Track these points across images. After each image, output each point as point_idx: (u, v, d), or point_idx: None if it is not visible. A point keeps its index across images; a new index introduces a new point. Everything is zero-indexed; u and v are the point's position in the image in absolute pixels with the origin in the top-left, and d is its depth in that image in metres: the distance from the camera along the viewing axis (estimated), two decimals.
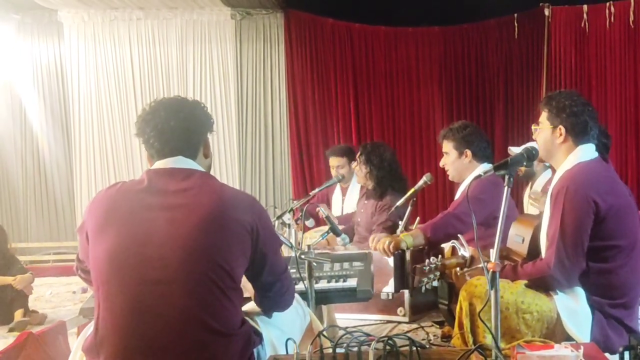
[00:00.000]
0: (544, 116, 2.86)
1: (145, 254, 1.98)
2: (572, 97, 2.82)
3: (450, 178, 4.02)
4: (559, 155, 2.82)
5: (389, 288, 3.46)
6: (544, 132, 2.84)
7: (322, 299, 3.09)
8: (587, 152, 2.80)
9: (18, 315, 4.74)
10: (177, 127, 2.12)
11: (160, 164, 2.13)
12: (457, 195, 3.96)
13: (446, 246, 3.79)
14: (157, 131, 2.12)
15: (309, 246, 2.95)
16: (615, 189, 2.74)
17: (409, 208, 4.34)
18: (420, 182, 4.21)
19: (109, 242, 2.00)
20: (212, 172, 2.30)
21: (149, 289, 1.96)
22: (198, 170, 2.14)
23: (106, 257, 2.00)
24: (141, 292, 1.97)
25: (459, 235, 3.04)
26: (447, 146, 3.92)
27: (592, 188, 2.64)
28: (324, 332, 2.20)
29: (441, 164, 4.00)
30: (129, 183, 2.14)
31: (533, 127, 2.95)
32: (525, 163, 2.66)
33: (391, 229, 4.41)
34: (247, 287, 2.31)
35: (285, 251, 3.43)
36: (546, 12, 7.03)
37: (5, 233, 5.27)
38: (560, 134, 2.79)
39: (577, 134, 2.78)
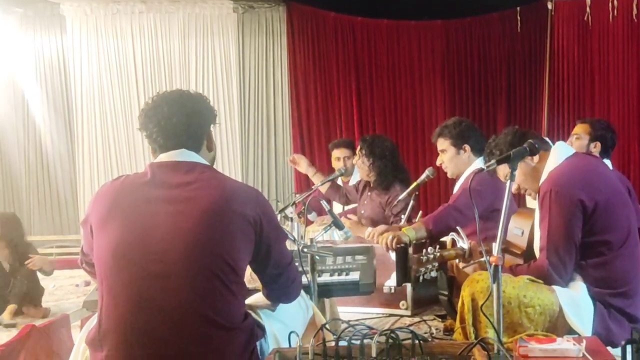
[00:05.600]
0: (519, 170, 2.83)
1: (148, 247, 1.99)
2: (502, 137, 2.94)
3: (449, 176, 4.01)
4: (543, 173, 2.83)
5: (392, 282, 3.46)
6: (522, 169, 2.84)
7: (325, 292, 3.11)
8: (562, 149, 2.82)
9: (8, 314, 4.66)
10: (180, 122, 2.12)
11: (163, 157, 2.14)
12: (456, 189, 3.96)
13: (446, 238, 3.80)
14: (160, 127, 2.12)
15: (311, 240, 2.95)
16: (601, 182, 2.74)
17: (412, 202, 4.34)
18: (423, 176, 4.22)
19: (112, 236, 2.01)
20: (214, 166, 2.31)
21: (152, 282, 1.97)
22: (201, 164, 2.15)
23: (109, 250, 2.01)
24: (144, 286, 1.98)
25: (457, 227, 3.05)
26: (444, 143, 3.91)
27: (575, 187, 2.64)
28: (327, 326, 2.20)
29: (438, 162, 3.99)
30: (133, 176, 2.15)
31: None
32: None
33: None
34: (253, 277, 2.32)
35: (288, 244, 3.44)
36: (549, 5, 7.01)
37: (19, 221, 5.19)
38: (534, 160, 2.82)
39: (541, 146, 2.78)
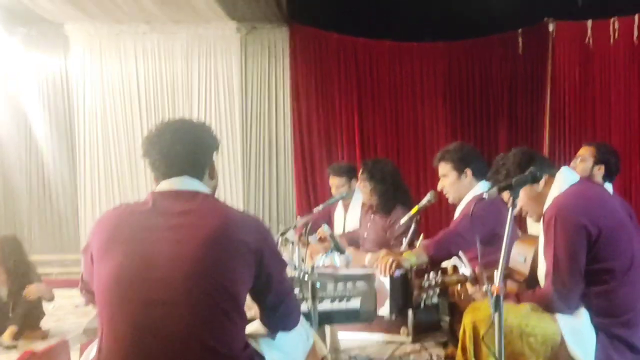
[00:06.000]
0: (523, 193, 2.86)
1: (149, 275, 1.98)
2: (510, 157, 2.93)
3: (450, 201, 3.99)
4: (547, 198, 2.84)
5: (384, 310, 3.42)
6: (526, 193, 2.85)
7: (325, 319, 3.08)
8: (567, 176, 2.82)
9: (8, 336, 4.64)
10: (183, 151, 2.13)
11: (165, 184, 2.14)
12: (457, 213, 3.96)
13: (448, 264, 3.79)
14: (162, 154, 2.13)
15: (312, 267, 2.94)
16: (605, 210, 2.74)
17: (413, 225, 4.33)
18: (424, 201, 4.20)
19: (113, 264, 2.01)
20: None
21: (152, 310, 1.97)
22: (203, 192, 2.15)
23: (110, 278, 2.01)
24: (144, 313, 1.97)
25: (460, 253, 3.04)
26: (445, 168, 3.91)
27: (580, 213, 2.64)
28: (328, 357, 2.19)
29: (439, 187, 3.99)
30: (134, 205, 2.16)
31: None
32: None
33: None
34: (250, 307, 2.31)
35: (288, 271, 3.43)
36: (550, 27, 7.02)
37: (19, 244, 5.16)
38: (539, 185, 2.82)
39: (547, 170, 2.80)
